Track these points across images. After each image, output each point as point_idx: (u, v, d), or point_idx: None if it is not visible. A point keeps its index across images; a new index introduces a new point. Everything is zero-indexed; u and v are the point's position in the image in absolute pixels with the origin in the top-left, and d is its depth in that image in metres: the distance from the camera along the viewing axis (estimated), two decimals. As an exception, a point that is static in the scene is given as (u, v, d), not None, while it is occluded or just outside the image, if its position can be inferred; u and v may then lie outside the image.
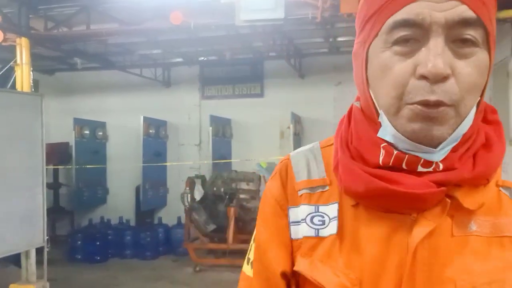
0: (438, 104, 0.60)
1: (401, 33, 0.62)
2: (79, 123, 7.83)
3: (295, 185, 0.75)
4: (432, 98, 0.60)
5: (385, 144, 0.66)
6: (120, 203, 8.43)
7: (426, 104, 0.61)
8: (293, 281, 0.75)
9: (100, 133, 8.37)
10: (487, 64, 0.64)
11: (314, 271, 0.70)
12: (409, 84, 0.62)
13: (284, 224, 0.75)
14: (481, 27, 0.61)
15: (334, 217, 0.71)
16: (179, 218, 7.53)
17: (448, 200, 0.64)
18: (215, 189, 6.76)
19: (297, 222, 0.74)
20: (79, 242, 7.16)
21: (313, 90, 7.82)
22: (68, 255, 7.15)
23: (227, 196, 6.67)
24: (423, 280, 0.64)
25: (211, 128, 7.50)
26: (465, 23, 0.60)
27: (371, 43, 0.66)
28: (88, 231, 7.50)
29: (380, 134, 0.67)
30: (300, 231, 0.73)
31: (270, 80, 8.18)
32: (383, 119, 0.66)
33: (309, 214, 0.73)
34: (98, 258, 7.06)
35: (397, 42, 0.63)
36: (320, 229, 0.72)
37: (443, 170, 0.64)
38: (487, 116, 0.72)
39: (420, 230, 0.64)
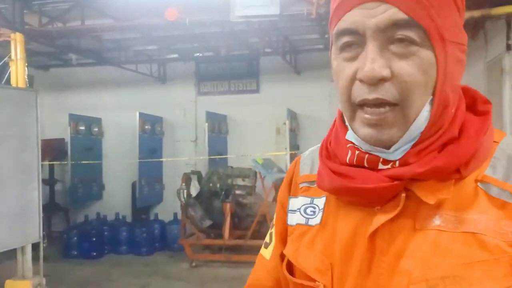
0: (377, 102, 0.64)
1: (344, 39, 0.66)
2: (75, 119, 7.81)
3: (298, 179, 0.84)
4: (370, 97, 0.64)
5: (351, 145, 0.71)
6: (116, 199, 8.43)
7: (366, 104, 0.65)
8: (285, 262, 0.82)
9: (96, 129, 8.36)
10: (431, 61, 0.64)
11: (299, 256, 0.77)
12: (353, 88, 0.66)
13: (284, 212, 0.84)
14: (417, 26, 0.63)
15: (322, 209, 0.77)
16: (175, 214, 7.55)
17: (403, 194, 0.66)
18: (211, 185, 6.78)
19: (293, 211, 0.82)
20: (75, 238, 7.17)
21: (309, 86, 7.83)
22: (64, 251, 7.15)
23: (223, 192, 6.68)
24: (379, 269, 0.67)
25: (207, 124, 7.50)
26: (396, 25, 0.63)
27: (331, 50, 0.72)
28: (83, 227, 7.50)
29: (347, 136, 0.73)
30: (295, 219, 0.81)
31: (266, 77, 8.19)
32: (347, 123, 0.71)
33: (304, 204, 0.80)
34: (94, 254, 7.07)
35: (342, 48, 0.67)
36: (310, 218, 0.78)
37: (399, 166, 0.67)
38: (477, 107, 0.73)
39: (378, 220, 0.67)
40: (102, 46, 7.40)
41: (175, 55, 8.26)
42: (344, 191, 0.71)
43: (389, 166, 0.68)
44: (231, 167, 7.12)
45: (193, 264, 6.45)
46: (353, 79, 0.66)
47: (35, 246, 5.01)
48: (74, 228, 7.54)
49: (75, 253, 7.07)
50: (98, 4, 5.61)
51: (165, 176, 8.36)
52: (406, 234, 0.66)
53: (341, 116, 0.76)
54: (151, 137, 7.97)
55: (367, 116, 0.65)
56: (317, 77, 7.75)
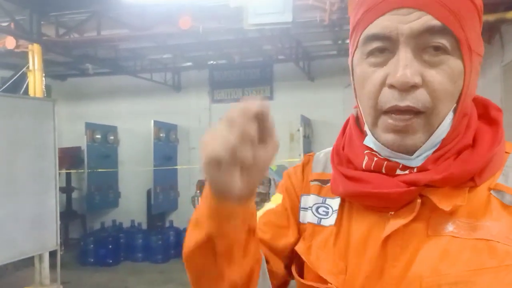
0: (408, 110, 0.64)
1: (374, 45, 0.66)
2: (91, 128, 7.90)
3: (310, 176, 0.83)
4: (402, 104, 0.64)
5: (368, 151, 0.71)
6: (131, 206, 8.49)
7: (396, 110, 0.65)
8: (295, 262, 0.81)
9: (112, 137, 8.44)
10: (460, 70, 0.65)
11: (311, 256, 0.77)
12: (381, 93, 0.66)
13: (294, 205, 0.83)
14: (449, 34, 0.63)
15: (336, 210, 0.77)
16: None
17: (419, 200, 0.67)
18: (225, 192, 6.77)
19: (305, 209, 0.82)
20: (92, 246, 7.22)
21: (323, 93, 7.81)
22: (81, 258, 7.21)
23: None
24: (390, 274, 0.67)
25: (221, 131, 7.51)
26: (431, 31, 0.63)
27: (353, 55, 0.71)
28: (100, 234, 7.56)
29: (365, 141, 0.73)
30: (307, 217, 0.81)
31: (279, 83, 8.19)
32: (367, 128, 0.71)
33: (316, 204, 0.80)
34: (110, 261, 7.11)
35: (371, 53, 0.67)
36: (323, 218, 0.78)
37: (417, 172, 0.67)
38: (489, 113, 0.74)
39: (392, 225, 0.67)
40: (118, 55, 7.50)
41: (189, 63, 8.32)
42: (358, 196, 0.71)
43: (406, 172, 0.68)
44: (246, 174, 7.11)
45: (208, 271, 6.44)
46: (382, 84, 0.66)
47: (53, 254, 5.07)
48: (91, 235, 7.60)
49: (92, 260, 7.12)
50: (114, 14, 5.69)
51: (180, 183, 8.39)
52: (418, 240, 0.67)
53: (356, 121, 0.77)
54: (166, 145, 8.02)
55: (392, 122, 0.65)
56: (330, 83, 7.73)
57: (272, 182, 6.62)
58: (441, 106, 0.65)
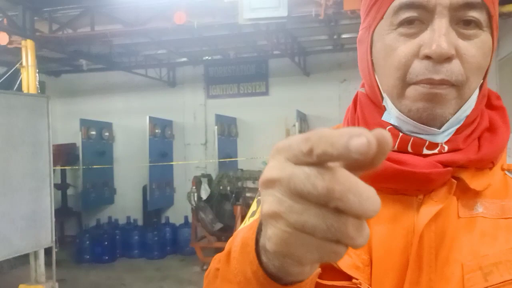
0: (442, 83, 0.62)
1: (407, 14, 0.63)
2: (86, 124, 7.86)
3: None
4: (437, 77, 0.61)
5: (390, 126, 0.67)
6: (127, 203, 8.47)
7: (430, 83, 0.62)
8: None
9: (107, 134, 8.40)
10: (490, 46, 0.65)
11: None
12: (412, 65, 0.63)
13: None
14: (485, 10, 0.63)
15: None
16: (186, 218, 7.56)
17: (454, 181, 0.64)
18: (221, 188, 6.77)
19: None
20: (87, 243, 7.20)
21: (318, 88, 7.81)
22: (77, 256, 7.20)
23: (233, 195, 6.67)
24: (430, 262, 0.63)
25: (216, 127, 7.50)
26: (469, 5, 0.62)
27: (376, 27, 0.67)
28: (96, 231, 7.54)
29: (384, 117, 0.68)
30: None
31: (275, 79, 8.17)
32: (387, 102, 0.67)
33: None
34: (106, 258, 7.10)
35: (402, 23, 0.64)
36: None
37: (448, 152, 0.65)
38: (491, 102, 0.73)
39: (427, 211, 0.63)
40: (112, 51, 7.45)
41: (184, 59, 8.29)
42: (395, 177, 0.64)
43: (435, 151, 0.65)
44: (241, 169, 7.11)
45: (205, 267, 6.45)
46: (414, 55, 0.63)
47: (48, 251, 5.05)
48: (87, 232, 7.58)
49: (88, 257, 7.11)
50: (107, 10, 5.65)
51: (175, 179, 8.38)
52: (452, 223, 0.64)
53: (369, 98, 0.72)
54: (162, 141, 8.00)
55: (424, 90, 0.62)
56: (326, 78, 7.73)
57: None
58: (472, 79, 0.64)
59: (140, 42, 6.99)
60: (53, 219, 4.96)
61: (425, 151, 0.65)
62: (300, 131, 7.25)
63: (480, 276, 0.62)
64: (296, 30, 6.58)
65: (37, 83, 5.68)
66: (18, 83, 5.73)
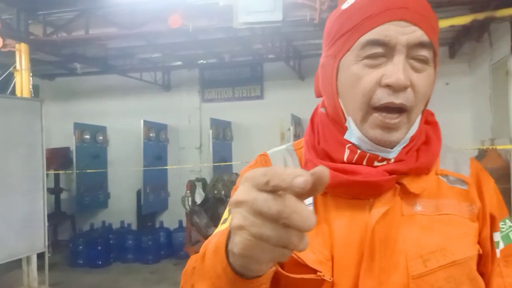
0: (400, 106, 0.75)
1: (373, 50, 0.75)
2: (80, 128, 7.82)
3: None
4: (397, 101, 0.75)
5: (350, 144, 0.80)
6: (121, 207, 8.42)
7: (388, 107, 0.75)
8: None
9: (101, 137, 8.37)
10: (433, 78, 0.79)
11: None
12: (376, 91, 0.76)
13: None
14: (431, 49, 0.77)
15: (310, 203, 0.81)
16: (180, 222, 7.52)
17: (398, 186, 0.80)
18: (216, 192, 6.75)
19: None
20: (81, 247, 7.15)
21: (313, 92, 7.79)
22: (70, 260, 7.14)
23: (228, 199, 6.65)
24: (380, 253, 0.77)
25: (211, 130, 7.49)
26: (421, 44, 0.75)
27: (342, 57, 0.79)
28: (89, 235, 7.49)
29: (346, 136, 0.81)
30: None
31: (270, 82, 8.18)
32: (350, 124, 0.80)
33: None
34: (100, 262, 7.05)
35: (367, 56, 0.76)
36: None
37: (393, 163, 0.80)
38: (427, 118, 0.88)
39: (377, 211, 0.78)
40: (107, 54, 7.43)
41: (179, 62, 8.27)
42: (348, 186, 0.78)
43: (384, 163, 0.79)
44: (236, 173, 7.10)
45: (199, 271, 6.42)
46: (377, 84, 0.75)
47: (41, 255, 5.01)
48: (80, 236, 7.53)
49: (81, 261, 7.05)
50: (102, 13, 5.63)
51: (170, 183, 8.35)
52: (397, 220, 0.79)
53: (330, 118, 0.84)
54: (156, 145, 7.97)
55: (382, 119, 0.76)
56: (321, 82, 7.73)
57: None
58: (419, 106, 0.78)
59: (135, 45, 6.97)
60: (46, 223, 4.93)
61: (376, 164, 0.80)
62: (295, 135, 7.25)
63: (420, 262, 0.77)
64: (291, 34, 6.59)
65: (30, 86, 5.65)
66: (11, 86, 5.70)
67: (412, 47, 0.74)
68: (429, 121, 0.88)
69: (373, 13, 0.75)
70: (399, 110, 0.76)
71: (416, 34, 0.74)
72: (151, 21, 5.58)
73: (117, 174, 8.45)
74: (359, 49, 0.76)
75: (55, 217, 7.77)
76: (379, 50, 0.75)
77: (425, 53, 0.76)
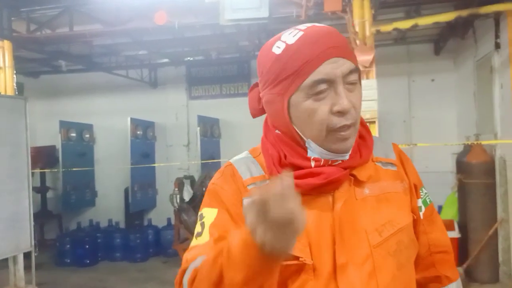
0: (351, 125, 0.96)
1: (320, 87, 0.93)
2: (65, 126, 7.74)
3: (244, 182, 1.03)
4: (348, 122, 0.95)
5: (314, 157, 1.00)
6: (109, 205, 8.37)
7: (346, 127, 0.95)
8: None
9: (87, 136, 8.29)
10: (361, 92, 1.00)
11: None
12: (331, 118, 0.94)
13: (239, 210, 0.99)
14: (357, 71, 0.97)
15: None
16: (168, 219, 7.50)
17: (352, 177, 1.00)
18: (204, 189, 6.74)
19: None
20: (68, 246, 7.10)
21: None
22: (57, 259, 7.08)
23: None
24: (348, 233, 0.97)
25: (199, 128, 7.47)
26: (352, 71, 0.96)
27: (291, 95, 0.96)
28: (76, 234, 7.43)
29: (309, 154, 1.00)
30: None
31: (257, 79, 8.15)
32: (311, 144, 0.99)
33: None
34: (88, 261, 7.00)
35: (315, 93, 0.94)
36: None
37: (347, 159, 1.00)
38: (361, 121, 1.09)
39: (340, 199, 0.98)
40: (92, 51, 7.36)
41: (166, 60, 8.23)
42: (319, 186, 0.96)
43: (338, 162, 0.99)
44: (224, 170, 7.09)
45: (188, 269, 6.41)
46: (329, 112, 0.94)
47: (27, 255, 4.96)
48: (67, 235, 7.46)
49: (68, 261, 7.00)
50: (86, 9, 5.58)
51: (158, 181, 8.32)
52: (353, 204, 0.99)
53: (290, 139, 1.01)
54: (143, 142, 7.93)
55: (340, 135, 0.96)
56: (308, 79, 7.75)
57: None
58: (359, 118, 0.99)
59: (121, 42, 6.91)
60: (32, 222, 4.88)
61: (334, 163, 1.00)
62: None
63: (377, 234, 0.98)
64: (277, 31, 6.47)
65: (14, 84, 5.58)
66: (-5, 84, 5.61)
67: (346, 76, 0.94)
68: (361, 123, 1.06)
69: (310, 58, 0.93)
70: (349, 125, 0.95)
71: (346, 65, 0.94)
72: (137, 18, 5.54)
73: (104, 172, 8.39)
74: (307, 88, 0.93)
75: (42, 216, 7.69)
76: (323, 86, 0.93)
77: (355, 77, 0.96)
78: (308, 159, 0.99)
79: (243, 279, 0.78)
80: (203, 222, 1.02)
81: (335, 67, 0.93)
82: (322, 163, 0.98)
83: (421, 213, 1.11)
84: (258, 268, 0.78)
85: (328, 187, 0.98)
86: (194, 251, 0.97)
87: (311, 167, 0.98)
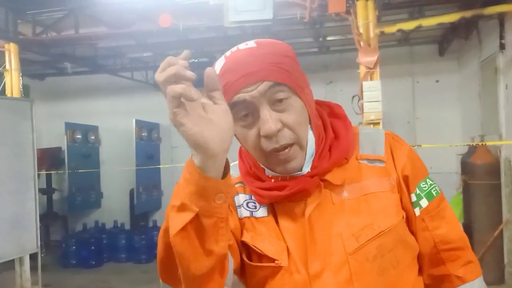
0: (284, 147, 0.90)
1: (241, 112, 0.91)
2: (71, 128, 7.79)
3: (232, 181, 0.99)
4: (277, 145, 0.90)
5: (271, 175, 0.97)
6: (114, 206, 8.40)
7: (276, 150, 0.90)
8: (243, 251, 1.00)
9: (92, 137, 8.33)
10: (301, 105, 0.93)
11: (256, 241, 0.97)
12: (261, 143, 0.91)
13: (233, 207, 1.01)
14: (283, 85, 0.90)
15: (264, 205, 1.00)
16: (173, 221, 7.51)
17: (321, 183, 0.95)
18: (208, 190, 6.75)
19: (239, 206, 1.02)
20: (74, 247, 7.13)
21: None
22: (63, 260, 7.12)
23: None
24: (320, 239, 0.93)
25: (203, 129, 7.47)
26: (271, 87, 0.88)
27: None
28: (82, 235, 7.47)
29: (267, 173, 0.98)
30: (243, 213, 1.01)
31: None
32: (262, 165, 0.97)
33: (245, 200, 1.02)
34: (93, 262, 7.03)
35: (240, 119, 0.92)
36: (253, 211, 1.00)
37: (312, 169, 0.94)
38: (334, 111, 1.04)
39: (310, 206, 0.95)
40: (97, 54, 7.40)
41: (170, 61, 8.24)
42: (283, 198, 0.95)
43: (304, 172, 0.94)
44: (229, 172, 7.10)
45: (193, 270, 6.42)
46: (258, 137, 0.91)
47: (33, 256, 4.99)
48: (73, 236, 7.50)
49: (74, 262, 7.03)
50: (92, 12, 5.61)
51: (163, 182, 8.34)
52: (329, 209, 0.95)
53: (255, 161, 0.99)
54: (148, 144, 7.96)
55: (276, 157, 0.91)
56: (312, 80, 7.52)
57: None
58: (301, 133, 0.92)
59: (125, 44, 6.94)
60: (38, 224, 4.91)
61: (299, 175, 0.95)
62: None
63: (353, 240, 0.93)
64: (281, 33, 6.60)
65: (21, 86, 5.62)
66: (1, 86, 5.66)
67: (268, 95, 0.88)
68: (337, 114, 1.03)
69: (227, 86, 0.89)
70: (285, 146, 0.90)
71: (262, 85, 0.88)
72: (141, 20, 5.57)
73: (109, 173, 8.42)
74: (232, 109, 0.85)
75: (47, 218, 7.73)
76: (244, 111, 0.90)
77: (280, 94, 0.89)
78: (268, 177, 0.97)
79: (181, 205, 0.76)
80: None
81: (248, 91, 0.88)
82: (280, 179, 0.95)
83: (417, 209, 1.00)
84: (194, 182, 0.76)
85: (296, 197, 0.95)
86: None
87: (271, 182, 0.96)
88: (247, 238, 0.98)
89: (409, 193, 1.00)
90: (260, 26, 5.43)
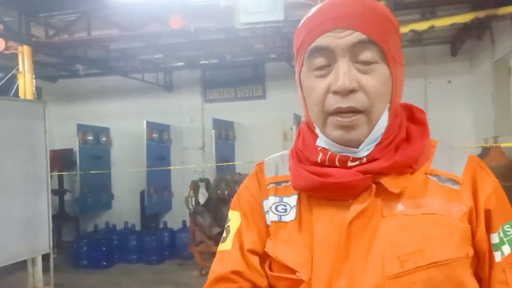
0: (350, 110, 0.78)
1: (317, 59, 0.79)
2: (83, 129, 7.85)
3: (265, 181, 0.93)
4: (344, 105, 0.78)
5: (321, 148, 0.84)
6: (125, 208, 8.45)
7: (340, 111, 0.78)
8: (267, 261, 0.89)
9: (104, 139, 8.39)
10: (387, 75, 0.80)
11: (277, 250, 0.86)
12: (326, 99, 0.79)
13: (258, 214, 0.91)
14: (376, 46, 0.78)
15: (294, 206, 0.87)
16: (184, 222, 7.54)
17: (374, 185, 0.80)
18: (219, 192, 6.76)
19: (267, 212, 0.91)
20: (85, 248, 7.17)
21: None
22: (74, 261, 7.16)
23: (231, 199, 6.66)
24: (355, 253, 0.79)
25: (213, 131, 7.49)
26: (361, 43, 0.77)
27: (300, 71, 0.85)
28: (93, 236, 7.52)
29: (318, 142, 0.85)
30: (270, 218, 0.90)
31: (271, 82, 8.18)
32: (318, 130, 0.84)
33: (274, 203, 0.90)
34: (104, 263, 7.07)
35: (316, 68, 0.80)
36: (283, 215, 0.88)
37: (366, 163, 0.80)
38: (415, 115, 0.90)
39: (354, 209, 0.79)
40: (108, 56, 7.45)
41: (181, 63, 8.28)
42: (322, 188, 0.81)
43: (357, 162, 0.80)
44: (239, 173, 7.11)
45: (203, 271, 6.43)
46: (326, 92, 0.79)
47: (45, 256, 5.03)
48: (84, 237, 7.55)
49: (85, 262, 7.08)
50: (103, 14, 5.65)
51: (173, 183, 8.36)
52: (376, 220, 0.79)
53: (308, 126, 0.89)
54: (159, 145, 7.99)
55: (339, 119, 0.78)
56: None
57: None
58: (377, 105, 0.79)
59: (137, 46, 6.99)
60: (51, 225, 4.95)
61: (350, 164, 0.81)
62: (297, 134, 7.25)
63: (397, 263, 0.76)
64: (292, 34, 6.54)
65: (33, 88, 5.68)
66: (14, 88, 5.72)
67: (354, 51, 0.77)
68: (417, 119, 0.89)
69: (312, 27, 0.80)
70: (353, 111, 0.78)
71: (354, 35, 0.77)
72: (152, 22, 5.59)
73: (120, 175, 8.47)
74: (307, 60, 0.81)
75: (59, 219, 7.79)
76: (322, 59, 0.79)
77: (368, 53, 0.77)
78: (316, 149, 0.84)
79: None
80: (228, 226, 0.94)
81: (336, 36, 0.77)
82: (328, 157, 0.81)
83: (497, 253, 0.80)
84: None
85: (338, 192, 0.80)
86: (217, 261, 0.92)
87: (317, 161, 0.83)
88: (269, 246, 0.88)
89: (489, 232, 0.81)
90: (271, 27, 5.42)
